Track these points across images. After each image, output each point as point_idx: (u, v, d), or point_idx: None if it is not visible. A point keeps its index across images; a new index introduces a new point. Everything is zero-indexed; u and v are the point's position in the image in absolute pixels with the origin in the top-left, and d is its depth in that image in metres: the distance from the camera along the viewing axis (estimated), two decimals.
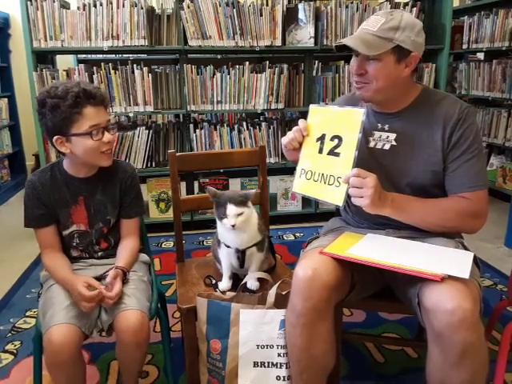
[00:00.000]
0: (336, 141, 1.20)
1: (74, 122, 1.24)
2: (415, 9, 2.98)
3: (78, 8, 2.63)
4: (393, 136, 1.30)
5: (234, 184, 3.18)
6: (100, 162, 1.33)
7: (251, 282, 1.35)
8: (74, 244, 1.41)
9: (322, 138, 1.23)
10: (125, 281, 1.31)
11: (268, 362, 1.27)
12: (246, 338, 1.27)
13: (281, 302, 1.25)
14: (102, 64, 2.73)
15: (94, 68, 2.75)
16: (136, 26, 2.65)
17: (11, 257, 2.68)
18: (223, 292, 1.36)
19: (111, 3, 2.61)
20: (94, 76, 2.70)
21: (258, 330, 1.26)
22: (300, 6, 2.82)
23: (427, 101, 1.29)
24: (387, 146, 1.31)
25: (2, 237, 2.98)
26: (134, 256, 1.42)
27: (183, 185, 2.72)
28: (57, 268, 1.34)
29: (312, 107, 1.29)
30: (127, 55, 3.68)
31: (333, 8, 2.84)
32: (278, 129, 3.06)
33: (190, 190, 3.01)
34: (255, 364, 1.28)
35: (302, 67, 3.05)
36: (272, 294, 1.26)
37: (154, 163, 2.95)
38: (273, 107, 2.95)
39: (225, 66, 2.86)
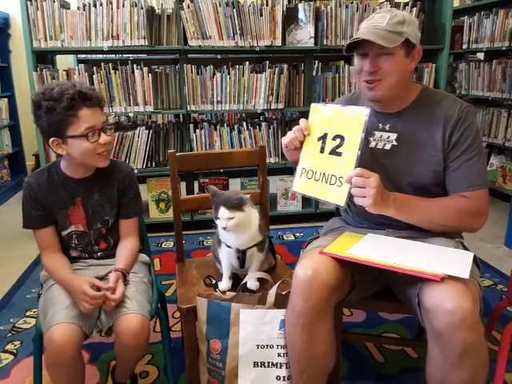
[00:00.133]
0: (338, 140, 1.19)
1: (69, 124, 1.23)
2: (415, 9, 2.98)
3: (78, 8, 2.63)
4: (394, 136, 1.30)
5: (234, 184, 3.18)
6: (97, 163, 1.33)
7: (251, 282, 1.35)
8: (73, 245, 1.41)
9: (323, 138, 1.23)
10: (125, 282, 1.31)
11: (268, 362, 1.27)
12: (245, 337, 1.27)
13: (281, 302, 1.25)
14: (102, 64, 2.73)
15: (94, 68, 2.75)
16: (136, 25, 2.65)
17: (11, 257, 2.68)
18: (223, 292, 1.36)
19: (111, 3, 2.61)
20: (94, 76, 2.70)
21: (258, 330, 1.26)
22: (300, 6, 2.82)
23: (427, 101, 1.29)
24: (388, 146, 1.31)
25: (2, 237, 2.98)
26: (134, 256, 1.42)
27: (183, 185, 2.72)
28: (57, 268, 1.33)
29: (313, 106, 1.28)
30: (127, 55, 3.68)
31: (333, 8, 2.85)
32: (277, 129, 3.06)
33: (189, 190, 3.01)
34: (255, 364, 1.28)
35: (302, 67, 3.05)
36: (272, 294, 1.26)
37: (153, 163, 2.94)
38: (273, 107, 2.95)
39: (225, 66, 2.86)
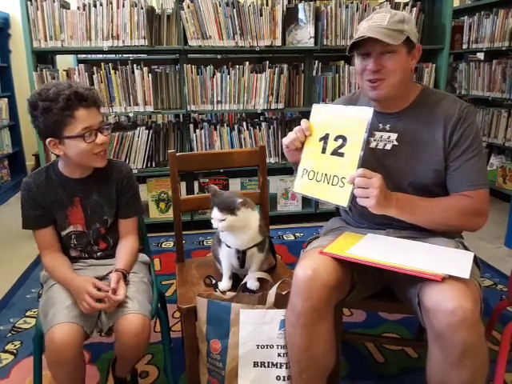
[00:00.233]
0: (340, 141, 1.19)
1: (66, 124, 1.23)
2: (415, 9, 2.98)
3: (78, 8, 2.62)
4: (394, 136, 1.30)
5: (234, 184, 3.18)
6: (94, 163, 1.33)
7: (251, 282, 1.35)
8: (72, 245, 1.41)
9: (325, 138, 1.22)
10: (125, 282, 1.31)
11: (268, 362, 1.27)
12: (246, 337, 1.27)
13: (281, 302, 1.25)
14: (102, 64, 2.73)
15: (94, 68, 2.75)
16: (136, 25, 2.65)
17: (11, 257, 2.68)
18: (223, 292, 1.36)
19: (111, 3, 2.61)
20: (94, 76, 2.70)
21: (258, 330, 1.26)
22: (300, 6, 2.82)
23: (427, 101, 1.30)
24: (389, 146, 1.31)
25: (2, 237, 2.98)
26: (134, 256, 1.42)
27: (183, 185, 2.72)
28: (57, 268, 1.34)
29: (315, 106, 1.28)
30: (127, 55, 3.68)
31: (333, 8, 2.85)
32: (277, 129, 3.06)
33: (190, 190, 3.01)
34: (255, 364, 1.28)
35: (302, 67, 3.05)
36: (272, 294, 1.26)
37: (153, 163, 2.94)
38: (273, 107, 2.95)
39: (225, 66, 2.86)
